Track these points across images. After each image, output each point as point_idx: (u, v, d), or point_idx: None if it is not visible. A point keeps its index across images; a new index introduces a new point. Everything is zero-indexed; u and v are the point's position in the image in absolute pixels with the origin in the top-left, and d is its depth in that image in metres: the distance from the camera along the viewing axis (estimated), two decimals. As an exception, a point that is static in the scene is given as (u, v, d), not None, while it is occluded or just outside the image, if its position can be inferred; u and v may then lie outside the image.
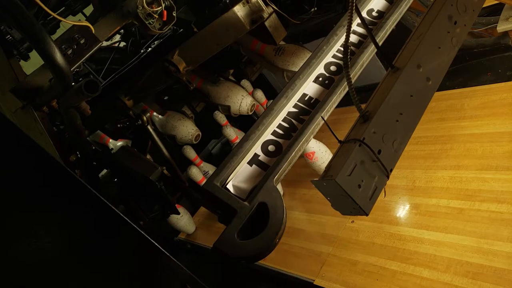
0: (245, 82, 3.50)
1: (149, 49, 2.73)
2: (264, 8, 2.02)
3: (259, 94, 3.73)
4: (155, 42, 2.92)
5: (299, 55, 2.39)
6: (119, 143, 3.04)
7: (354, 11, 1.41)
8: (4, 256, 1.02)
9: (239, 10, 2.01)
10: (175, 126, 2.81)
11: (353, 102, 1.52)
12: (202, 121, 3.06)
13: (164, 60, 2.23)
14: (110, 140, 3.08)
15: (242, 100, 2.74)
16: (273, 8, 2.09)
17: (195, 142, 2.84)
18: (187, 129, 2.79)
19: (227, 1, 2.03)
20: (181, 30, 2.50)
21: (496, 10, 2.67)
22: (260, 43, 2.52)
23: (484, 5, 2.03)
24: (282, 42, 2.37)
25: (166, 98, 3.14)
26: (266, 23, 2.08)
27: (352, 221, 2.47)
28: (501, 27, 2.50)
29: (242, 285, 2.08)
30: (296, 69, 2.35)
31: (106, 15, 1.84)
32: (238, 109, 2.76)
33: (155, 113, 2.87)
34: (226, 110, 2.80)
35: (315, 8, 2.33)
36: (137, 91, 2.41)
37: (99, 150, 2.89)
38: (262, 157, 1.52)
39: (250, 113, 2.82)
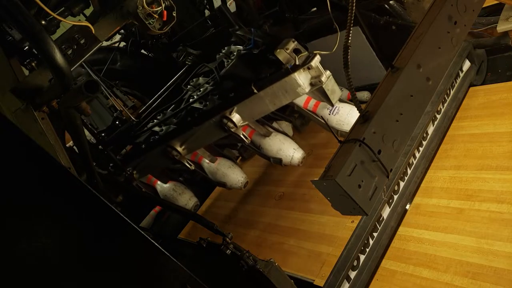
0: (287, 126, 3.48)
1: (207, 103, 2.73)
2: (323, 72, 2.03)
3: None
4: (215, 98, 2.83)
5: (353, 115, 2.40)
6: (167, 185, 3.24)
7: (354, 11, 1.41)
8: (4, 256, 1.02)
9: (300, 75, 2.04)
10: (225, 173, 3.00)
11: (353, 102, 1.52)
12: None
13: (222, 116, 2.31)
14: (158, 182, 3.27)
15: (294, 153, 2.83)
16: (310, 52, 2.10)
17: (243, 188, 3.06)
18: (237, 177, 3.00)
19: (289, 67, 2.06)
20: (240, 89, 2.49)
21: (496, 10, 2.67)
22: (313, 100, 2.59)
23: (484, 5, 2.03)
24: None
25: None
26: (324, 86, 2.07)
27: (352, 221, 2.47)
28: (501, 27, 2.50)
29: (242, 285, 2.08)
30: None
31: (106, 15, 1.84)
32: (289, 161, 2.85)
33: (204, 159, 3.06)
34: (278, 162, 2.89)
35: (315, 8, 2.33)
36: (191, 142, 2.54)
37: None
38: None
39: (300, 165, 2.89)
